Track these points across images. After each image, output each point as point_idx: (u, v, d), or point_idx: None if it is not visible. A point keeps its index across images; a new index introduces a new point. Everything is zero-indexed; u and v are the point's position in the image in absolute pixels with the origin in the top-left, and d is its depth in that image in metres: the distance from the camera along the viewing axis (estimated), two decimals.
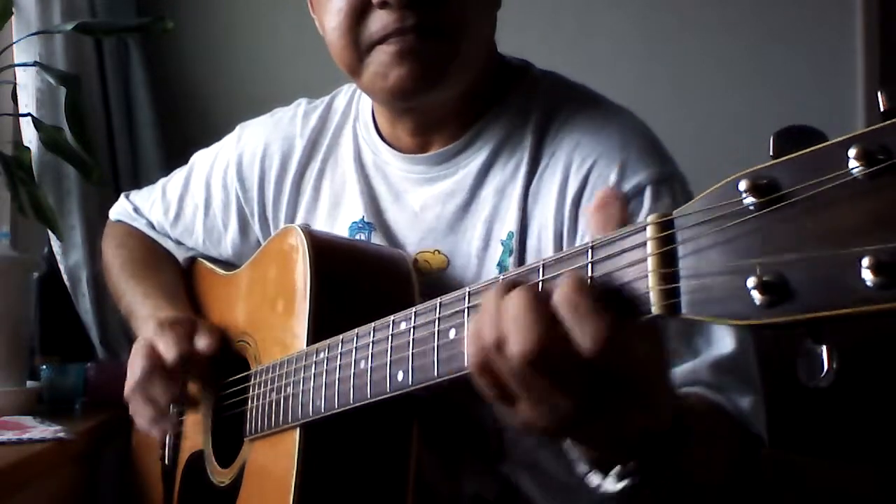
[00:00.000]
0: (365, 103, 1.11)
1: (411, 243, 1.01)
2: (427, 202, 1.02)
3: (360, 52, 0.92)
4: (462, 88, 0.96)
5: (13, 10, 1.60)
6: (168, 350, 1.01)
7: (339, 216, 1.08)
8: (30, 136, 1.61)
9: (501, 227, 0.96)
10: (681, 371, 0.82)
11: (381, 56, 0.91)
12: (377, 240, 1.04)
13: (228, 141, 1.23)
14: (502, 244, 0.96)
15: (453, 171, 1.01)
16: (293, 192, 1.13)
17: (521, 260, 0.94)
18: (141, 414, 1.06)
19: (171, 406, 1.06)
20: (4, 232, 1.51)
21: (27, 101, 1.63)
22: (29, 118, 1.58)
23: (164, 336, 1.02)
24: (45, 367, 1.53)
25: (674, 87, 2.05)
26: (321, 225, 1.09)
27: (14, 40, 1.62)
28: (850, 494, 1.43)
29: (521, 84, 1.02)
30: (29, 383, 1.49)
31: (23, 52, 1.63)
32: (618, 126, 0.95)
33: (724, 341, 0.84)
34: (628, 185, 0.89)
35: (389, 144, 1.05)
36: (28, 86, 1.64)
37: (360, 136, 1.10)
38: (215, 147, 1.25)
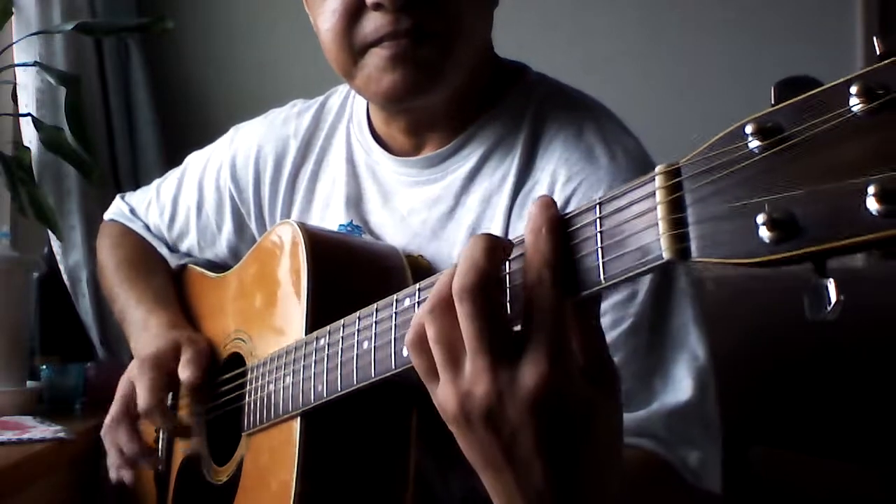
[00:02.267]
0: (359, 103, 1.10)
1: (396, 247, 1.00)
2: (414, 206, 1.01)
3: (353, 54, 0.92)
4: (455, 88, 0.95)
5: (13, 10, 1.60)
6: (142, 397, 1.00)
7: (329, 218, 1.08)
8: (30, 136, 1.61)
9: None
10: (634, 419, 0.81)
11: (374, 59, 0.90)
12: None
13: (222, 142, 1.23)
14: None
15: (441, 175, 1.00)
16: (288, 192, 1.13)
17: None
18: (109, 456, 1.06)
19: (138, 457, 1.06)
20: (4, 232, 1.51)
21: (27, 101, 1.64)
22: (29, 118, 1.58)
23: (143, 378, 1.01)
24: (45, 367, 1.53)
25: (674, 87, 2.05)
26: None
27: (14, 40, 1.62)
28: (850, 494, 1.43)
29: (516, 88, 1.01)
30: (29, 383, 1.49)
31: (23, 52, 1.63)
32: (609, 149, 0.93)
33: (681, 384, 0.83)
34: None
35: (383, 145, 1.05)
36: (28, 86, 1.64)
37: (353, 136, 1.09)
38: (209, 148, 1.25)
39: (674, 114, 2.01)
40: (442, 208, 0.99)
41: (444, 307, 0.56)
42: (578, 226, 0.56)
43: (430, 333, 0.57)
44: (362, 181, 1.07)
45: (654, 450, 0.81)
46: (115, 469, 1.07)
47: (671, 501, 0.83)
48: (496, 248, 0.57)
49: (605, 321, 0.84)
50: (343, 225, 1.05)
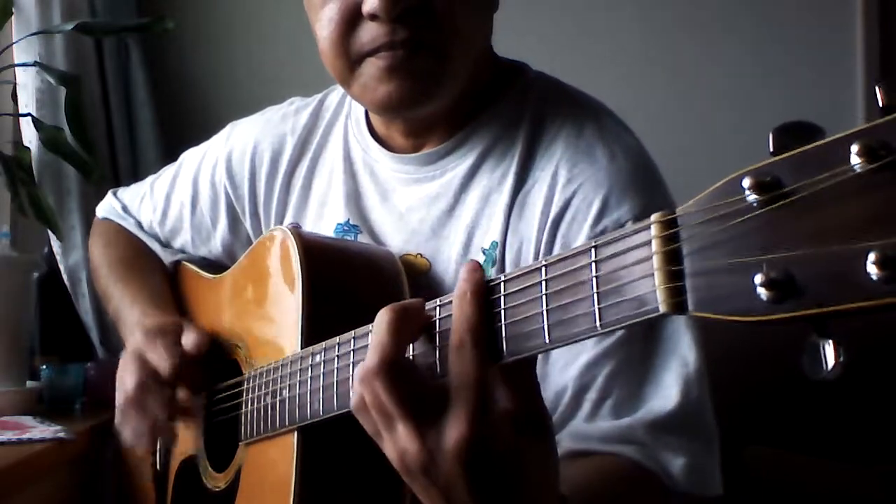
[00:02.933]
0: None
1: (395, 245, 1.00)
2: (413, 204, 1.01)
3: (350, 62, 0.91)
4: (453, 97, 0.95)
5: (13, 10, 1.60)
6: (161, 360, 0.99)
7: (325, 216, 1.07)
8: (30, 136, 1.61)
9: (484, 235, 0.94)
10: (618, 426, 0.82)
11: (370, 69, 0.90)
12: (363, 241, 1.03)
13: (218, 139, 1.22)
14: (484, 253, 0.94)
15: (440, 173, 0.99)
16: (283, 190, 1.12)
17: (502, 271, 0.92)
18: (135, 427, 1.03)
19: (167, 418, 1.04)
20: (4, 232, 1.51)
21: (27, 101, 1.63)
22: (29, 118, 1.58)
23: (155, 346, 1.00)
24: (45, 367, 1.53)
25: (674, 87, 2.05)
26: (310, 224, 1.08)
27: (14, 40, 1.62)
28: (847, 494, 1.43)
29: (515, 87, 1.00)
30: (29, 383, 1.49)
31: (23, 52, 1.63)
32: (609, 147, 0.92)
33: (668, 392, 0.83)
34: (609, 219, 0.88)
35: (382, 143, 1.04)
36: (28, 86, 1.64)
37: (351, 133, 1.09)
38: (204, 145, 1.24)
39: (674, 114, 2.02)
40: (441, 206, 0.98)
41: (369, 378, 0.62)
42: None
43: (367, 401, 0.62)
44: (359, 178, 1.06)
45: (635, 457, 0.81)
46: (147, 435, 1.03)
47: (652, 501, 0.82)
48: (402, 320, 0.63)
49: None
50: (340, 224, 1.05)
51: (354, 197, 1.05)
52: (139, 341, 1.03)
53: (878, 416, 1.49)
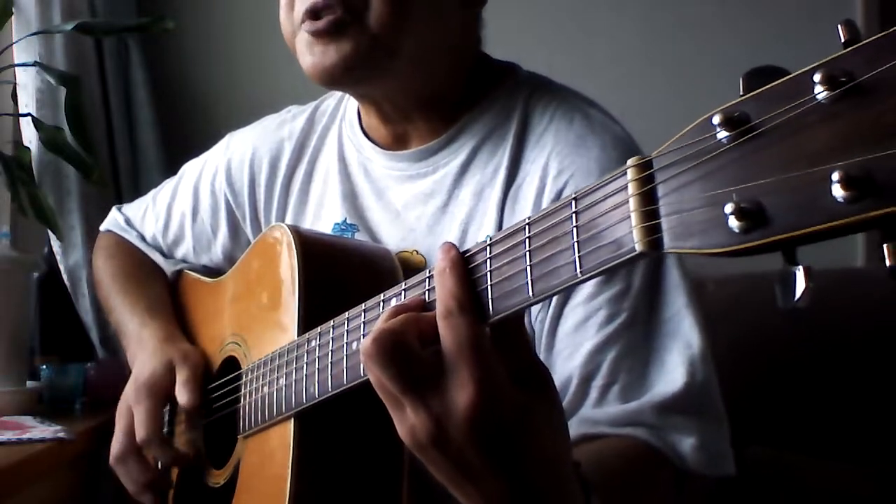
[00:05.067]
0: (352, 103, 1.11)
1: (391, 242, 1.01)
2: (409, 201, 1.02)
3: (293, 32, 0.96)
4: (406, 84, 0.97)
5: (13, 10, 1.60)
6: (140, 427, 1.02)
7: (323, 217, 1.08)
8: (30, 136, 1.61)
9: (478, 229, 0.95)
10: (626, 410, 0.83)
11: (303, 34, 0.95)
12: (361, 239, 1.04)
13: (217, 149, 1.24)
14: None
15: (432, 169, 1.00)
16: (282, 193, 1.14)
17: None
18: (134, 480, 1.07)
19: (154, 479, 1.07)
20: (4, 232, 1.51)
21: (27, 101, 1.63)
22: (29, 118, 1.58)
23: (139, 408, 1.03)
24: (45, 367, 1.53)
25: (674, 87, 2.05)
26: (308, 226, 1.09)
27: (14, 40, 1.62)
28: (846, 494, 1.43)
29: (505, 84, 1.02)
30: (29, 383, 1.49)
31: (23, 52, 1.63)
32: (599, 137, 0.93)
33: (674, 374, 0.84)
34: None
35: (373, 141, 1.06)
36: (28, 86, 1.64)
37: (345, 135, 1.10)
38: (204, 156, 1.26)
39: (674, 114, 2.01)
40: (436, 203, 0.99)
41: (366, 362, 0.63)
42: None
43: (372, 381, 0.63)
44: (355, 178, 1.07)
45: (646, 438, 0.82)
46: (136, 496, 1.09)
47: (660, 487, 0.83)
48: (401, 309, 0.65)
49: (600, 316, 0.86)
50: (338, 223, 1.06)
51: (350, 196, 1.06)
52: (131, 394, 1.06)
53: (878, 416, 1.49)
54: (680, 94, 2.05)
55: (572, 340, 0.87)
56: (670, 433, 0.82)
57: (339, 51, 0.92)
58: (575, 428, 0.83)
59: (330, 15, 0.91)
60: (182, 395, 1.02)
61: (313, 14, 0.92)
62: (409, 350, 0.61)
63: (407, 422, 0.62)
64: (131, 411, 1.04)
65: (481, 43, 1.05)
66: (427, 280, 0.67)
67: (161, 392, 1.04)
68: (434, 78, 0.98)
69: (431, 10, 0.95)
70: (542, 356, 0.90)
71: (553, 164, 0.92)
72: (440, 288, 0.62)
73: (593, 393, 0.85)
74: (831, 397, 1.52)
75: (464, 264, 0.62)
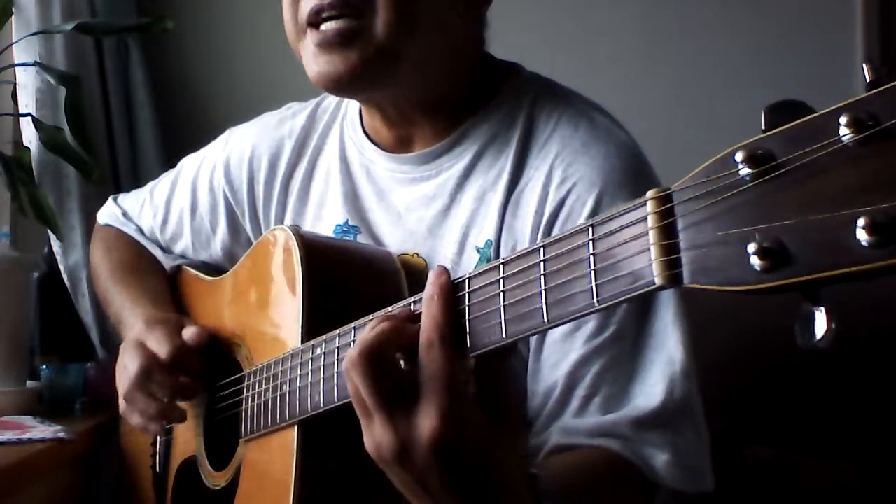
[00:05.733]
0: (353, 102, 1.10)
1: (393, 245, 1.01)
2: (411, 204, 1.01)
3: (298, 36, 0.96)
4: (410, 88, 0.96)
5: (13, 10, 1.60)
6: (160, 346, 1.02)
7: (324, 217, 1.08)
8: (30, 136, 1.61)
9: (479, 233, 0.95)
10: (604, 421, 0.84)
11: (309, 41, 0.94)
12: (363, 241, 1.04)
13: (216, 144, 1.23)
14: (478, 251, 0.95)
15: (435, 172, 1.00)
16: (282, 193, 1.13)
17: None
18: (142, 411, 1.05)
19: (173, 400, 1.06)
20: (4, 232, 1.51)
21: (27, 101, 1.63)
22: (29, 118, 1.58)
23: (154, 333, 1.03)
24: (45, 367, 1.53)
25: (674, 87, 2.05)
26: (308, 226, 1.09)
27: (14, 40, 1.61)
28: (846, 494, 1.43)
29: (509, 87, 1.01)
30: (29, 383, 1.49)
31: (23, 52, 1.62)
32: (604, 145, 0.93)
33: (653, 389, 0.85)
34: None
35: (375, 143, 1.05)
36: (28, 86, 1.64)
37: (347, 135, 1.09)
38: (203, 151, 1.25)
39: (674, 114, 2.02)
40: (437, 206, 0.99)
41: (348, 368, 0.65)
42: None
43: (349, 390, 0.66)
44: (357, 179, 1.07)
45: (617, 450, 0.82)
46: (154, 419, 1.06)
47: (624, 498, 0.84)
48: (387, 319, 0.67)
49: (588, 328, 0.87)
50: (339, 225, 1.05)
51: (352, 198, 1.06)
52: (139, 331, 1.06)
53: (878, 416, 1.49)
54: (681, 94, 2.05)
55: (559, 349, 0.88)
56: (644, 447, 0.83)
57: (345, 61, 0.91)
58: (554, 437, 0.85)
59: (335, 22, 0.90)
60: (190, 331, 1.04)
61: (317, 15, 0.91)
62: (387, 366, 0.64)
63: (374, 436, 0.65)
64: (142, 344, 1.04)
65: (484, 44, 1.04)
66: (412, 305, 0.69)
67: (171, 325, 1.06)
68: (438, 81, 0.98)
69: (436, 16, 0.95)
70: (531, 359, 0.91)
71: (557, 171, 0.92)
72: (426, 316, 0.64)
73: (574, 402, 0.86)
74: (831, 397, 1.52)
75: (451, 293, 0.64)
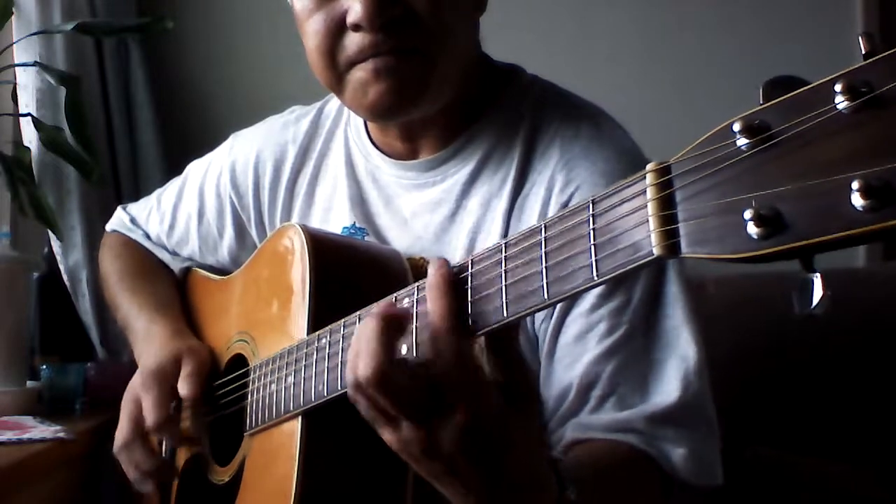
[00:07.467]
0: None
1: (400, 249, 1.01)
2: (417, 209, 1.02)
3: (338, 72, 0.93)
4: (444, 102, 0.96)
5: (13, 10, 1.60)
6: (149, 413, 1.02)
7: (331, 220, 1.08)
8: (30, 136, 1.61)
9: (486, 239, 0.95)
10: (619, 418, 0.84)
11: (359, 74, 0.91)
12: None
13: (221, 150, 1.24)
14: None
15: (441, 178, 1.00)
16: (287, 197, 1.13)
17: None
18: (128, 473, 1.08)
19: (157, 469, 1.08)
20: (4, 232, 1.51)
21: (27, 101, 1.63)
22: (29, 118, 1.58)
23: (148, 395, 1.03)
24: (45, 367, 1.53)
25: (674, 87, 2.05)
26: None
27: (14, 40, 1.62)
28: (846, 494, 1.43)
29: (510, 90, 1.01)
30: (29, 383, 1.49)
31: (23, 52, 1.63)
32: (605, 149, 0.93)
33: (668, 386, 0.85)
34: None
35: (380, 149, 1.05)
36: (28, 86, 1.64)
37: (352, 140, 1.10)
38: (208, 156, 1.26)
39: (674, 114, 2.01)
40: (443, 212, 1.00)
41: (365, 388, 0.66)
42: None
43: (361, 409, 0.68)
44: (363, 183, 1.07)
45: (637, 444, 0.83)
46: (137, 484, 1.09)
47: (645, 488, 0.85)
48: (390, 328, 0.67)
49: (600, 328, 0.87)
50: (346, 227, 1.06)
51: (359, 201, 1.06)
52: (138, 384, 1.06)
53: (878, 416, 1.49)
54: (680, 93, 2.05)
55: (573, 350, 0.88)
56: (660, 442, 0.84)
57: (406, 82, 0.90)
58: (570, 432, 0.85)
59: (394, 52, 0.89)
60: (184, 387, 1.02)
61: (375, 54, 0.89)
62: (410, 375, 0.65)
63: (402, 438, 0.66)
64: (138, 399, 1.04)
65: (480, 46, 1.05)
66: (416, 290, 0.69)
67: (167, 381, 1.04)
68: (454, 91, 0.97)
69: (466, 31, 0.96)
70: (543, 361, 0.91)
71: (559, 175, 0.93)
72: (431, 307, 0.65)
73: (591, 402, 0.87)
74: (831, 397, 1.52)
75: (453, 282, 0.66)
